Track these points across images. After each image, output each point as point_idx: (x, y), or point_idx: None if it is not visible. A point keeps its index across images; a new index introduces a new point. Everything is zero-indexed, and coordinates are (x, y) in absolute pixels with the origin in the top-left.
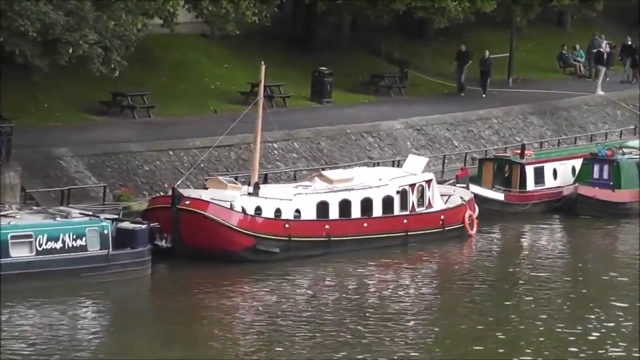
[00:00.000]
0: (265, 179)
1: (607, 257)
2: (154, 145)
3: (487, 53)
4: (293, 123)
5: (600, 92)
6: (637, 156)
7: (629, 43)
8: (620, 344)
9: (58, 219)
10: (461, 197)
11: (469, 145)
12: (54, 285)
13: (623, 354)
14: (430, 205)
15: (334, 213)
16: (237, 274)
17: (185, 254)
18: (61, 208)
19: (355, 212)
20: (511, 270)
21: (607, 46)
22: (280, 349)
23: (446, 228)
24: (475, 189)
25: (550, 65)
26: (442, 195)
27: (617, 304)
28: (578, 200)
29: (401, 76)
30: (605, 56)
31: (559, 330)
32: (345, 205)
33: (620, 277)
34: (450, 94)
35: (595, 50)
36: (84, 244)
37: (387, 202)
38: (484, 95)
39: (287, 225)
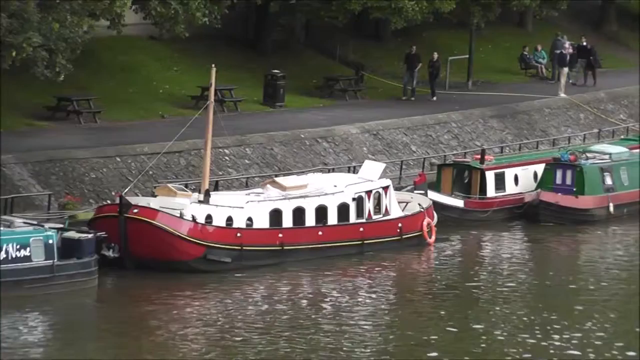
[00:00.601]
0: (216, 186)
1: (569, 265)
2: (100, 152)
3: (435, 55)
4: (245, 128)
5: (562, 94)
6: (601, 161)
7: (584, 44)
8: (588, 352)
9: (1, 228)
10: (419, 204)
11: (427, 150)
12: None
13: None
14: (387, 212)
15: (287, 221)
16: (187, 284)
17: (133, 264)
18: (4, 217)
19: (310, 220)
20: (471, 279)
21: (571, 47)
22: None
23: (404, 236)
24: (433, 195)
25: (511, 67)
26: (399, 202)
27: (587, 314)
28: (540, 207)
29: (357, 79)
30: (568, 57)
31: (522, 340)
32: (299, 213)
33: (585, 286)
34: (415, 97)
35: (558, 52)
36: (28, 254)
37: (343, 209)
38: (434, 99)
39: (239, 234)
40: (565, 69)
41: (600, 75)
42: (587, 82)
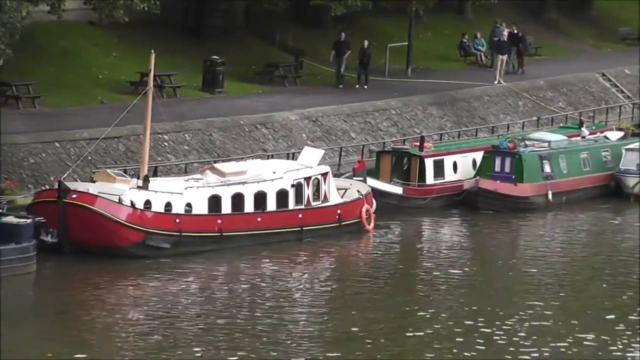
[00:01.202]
0: (155, 172)
1: (507, 252)
2: (39, 137)
3: (365, 43)
4: (184, 114)
5: (500, 81)
6: (540, 149)
7: (515, 31)
8: (528, 343)
9: None
10: (358, 191)
11: (367, 137)
12: None
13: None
14: (326, 199)
15: (226, 207)
16: (125, 270)
17: (72, 250)
18: None
19: (249, 206)
20: (409, 266)
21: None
22: (169, 348)
23: (343, 223)
24: (372, 182)
25: (450, 54)
26: (338, 189)
27: (522, 301)
28: (479, 195)
29: (296, 66)
30: (506, 45)
31: (463, 327)
32: (238, 199)
33: (523, 273)
34: (346, 84)
35: (496, 39)
36: None
37: (282, 196)
38: (365, 87)
39: (177, 220)
40: (503, 57)
41: (539, 63)
42: (518, 70)
